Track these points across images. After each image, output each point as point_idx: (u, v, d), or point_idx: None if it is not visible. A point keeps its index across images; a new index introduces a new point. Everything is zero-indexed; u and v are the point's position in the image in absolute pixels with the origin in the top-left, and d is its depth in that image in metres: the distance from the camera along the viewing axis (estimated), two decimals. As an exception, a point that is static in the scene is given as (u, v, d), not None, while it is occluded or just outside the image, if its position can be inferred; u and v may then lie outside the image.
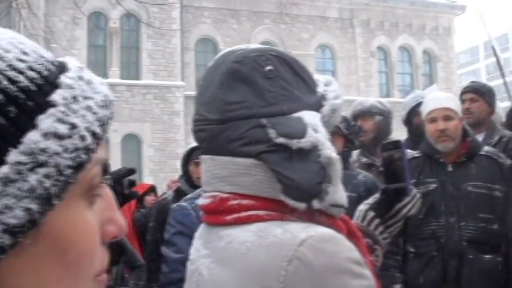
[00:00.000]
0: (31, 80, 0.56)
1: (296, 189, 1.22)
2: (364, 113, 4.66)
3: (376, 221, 1.59)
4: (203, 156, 1.37)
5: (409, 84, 33.55)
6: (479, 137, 4.46)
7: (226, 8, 30.15)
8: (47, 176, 0.55)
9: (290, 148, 1.24)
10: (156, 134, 27.20)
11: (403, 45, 34.02)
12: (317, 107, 1.35)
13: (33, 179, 0.54)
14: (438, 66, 34.60)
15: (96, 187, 0.63)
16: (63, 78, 0.60)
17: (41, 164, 0.54)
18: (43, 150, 0.55)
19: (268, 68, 1.31)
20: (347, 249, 1.20)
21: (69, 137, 0.56)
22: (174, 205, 3.69)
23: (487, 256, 3.63)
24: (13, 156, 0.54)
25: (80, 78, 0.62)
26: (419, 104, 4.72)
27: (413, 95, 5.69)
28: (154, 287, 3.86)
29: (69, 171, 0.56)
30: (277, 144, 1.24)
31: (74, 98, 0.59)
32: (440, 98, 3.94)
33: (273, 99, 1.29)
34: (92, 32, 27.48)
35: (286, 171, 1.23)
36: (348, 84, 30.48)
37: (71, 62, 0.64)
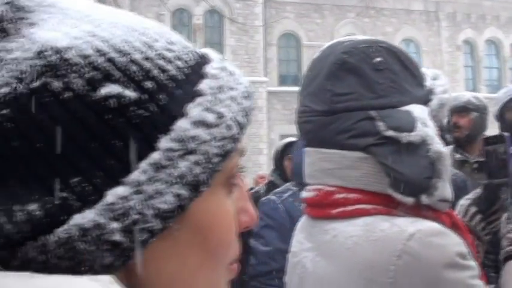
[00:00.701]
0: (179, 69, 0.58)
1: (405, 184, 1.21)
2: (459, 109, 4.54)
3: (478, 216, 1.56)
4: (308, 149, 1.36)
5: (497, 79, 32.55)
6: None
7: (309, 2, 29.99)
8: (196, 163, 0.56)
9: (399, 142, 1.22)
10: (239, 129, 27.39)
11: (490, 38, 33.04)
12: (425, 100, 1.33)
13: (183, 165, 0.55)
14: (527, 59, 33.47)
15: (235, 176, 0.64)
16: (209, 69, 0.61)
17: (191, 152, 0.56)
18: (193, 138, 0.56)
19: (378, 59, 1.29)
20: (455, 242, 1.18)
21: (217, 126, 0.58)
22: (263, 198, 3.72)
23: None
24: (164, 143, 0.55)
25: (223, 69, 0.63)
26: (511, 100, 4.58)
27: (505, 90, 5.51)
28: (245, 279, 3.92)
29: (217, 159, 0.57)
30: (386, 137, 1.22)
31: (220, 88, 0.60)
32: (534, 92, 3.82)
33: (382, 91, 1.27)
34: (176, 29, 27.76)
35: (396, 165, 1.21)
36: (433, 79, 29.83)
37: (212, 53, 0.65)
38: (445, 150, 1.26)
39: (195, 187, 0.56)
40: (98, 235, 0.52)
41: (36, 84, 0.52)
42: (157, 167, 0.54)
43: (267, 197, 3.69)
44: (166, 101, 0.56)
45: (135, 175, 0.53)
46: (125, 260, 0.54)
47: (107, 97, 0.53)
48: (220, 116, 0.58)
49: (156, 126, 0.55)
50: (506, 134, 1.63)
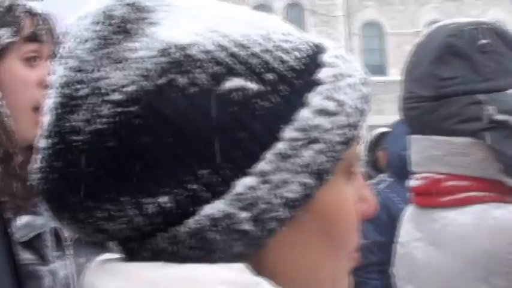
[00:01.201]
0: (297, 59, 0.58)
1: None
2: None
3: None
4: (414, 136, 1.33)
5: None
6: None
7: (390, -11, 29.67)
8: (320, 152, 0.56)
9: (510, 126, 1.19)
10: (324, 122, 27.40)
11: None
12: None
13: (307, 154, 0.55)
14: None
15: (355, 165, 0.63)
16: (325, 58, 0.61)
17: (314, 141, 0.55)
18: (315, 127, 0.56)
19: (484, 41, 1.26)
20: None
21: (338, 114, 0.57)
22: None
23: None
24: (288, 133, 0.55)
25: (339, 56, 0.62)
26: None
27: None
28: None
29: (339, 147, 0.57)
30: (496, 121, 1.19)
31: (338, 75, 0.59)
32: None
33: (489, 74, 1.24)
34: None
35: (508, 150, 1.18)
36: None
37: (326, 42, 0.65)
38: None
39: (320, 176, 0.56)
40: (228, 225, 0.53)
41: (162, 81, 0.53)
42: (282, 156, 0.54)
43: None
44: (287, 91, 0.56)
45: (262, 165, 0.54)
46: (254, 249, 0.55)
47: (231, 90, 0.54)
48: (341, 103, 0.58)
49: (279, 116, 0.55)
50: None
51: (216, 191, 0.54)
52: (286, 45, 0.58)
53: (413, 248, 1.32)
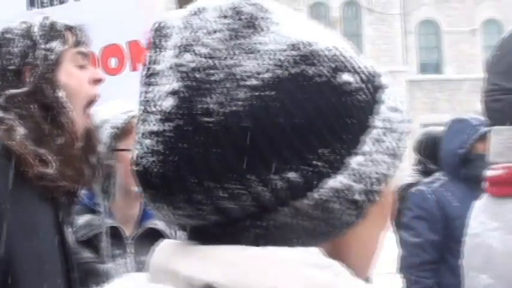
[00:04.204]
0: (367, 67, 0.67)
1: None
2: None
3: None
4: (497, 128, 1.36)
5: None
6: None
7: (447, -13, 29.16)
8: (397, 139, 0.66)
9: None
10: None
11: None
12: None
13: (389, 140, 0.65)
14: None
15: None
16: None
17: (392, 130, 0.66)
18: (391, 119, 0.66)
19: None
20: None
21: (401, 111, 0.68)
22: (413, 189, 3.68)
23: None
24: (377, 122, 0.65)
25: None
26: None
27: None
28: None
29: (405, 137, 0.67)
30: None
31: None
32: None
33: None
34: (314, 21, 27.93)
35: None
36: None
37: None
38: None
39: (399, 158, 0.66)
40: (346, 195, 0.62)
41: (295, 70, 0.61)
42: (377, 140, 0.64)
43: (417, 187, 3.65)
44: (372, 89, 0.66)
45: (365, 147, 0.63)
46: (360, 217, 0.64)
47: (345, 83, 0.63)
48: (401, 104, 0.69)
49: (370, 108, 0.65)
50: None
51: (334, 167, 0.61)
52: (358, 56, 0.68)
53: (488, 237, 1.34)
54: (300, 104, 0.61)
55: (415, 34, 28.91)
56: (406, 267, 3.45)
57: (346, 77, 0.63)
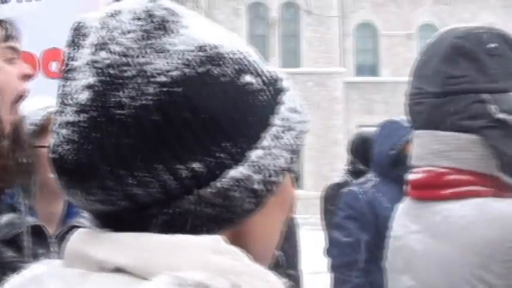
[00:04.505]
0: (270, 72, 0.75)
1: None
2: None
3: None
4: (419, 132, 1.39)
5: None
6: None
7: (385, -9, 29.67)
8: (295, 137, 0.73)
9: (509, 125, 1.26)
10: (316, 120, 27.29)
11: None
12: None
13: (287, 137, 0.72)
14: None
15: None
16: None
17: (291, 128, 0.73)
18: (291, 119, 0.73)
19: (492, 45, 1.33)
20: None
21: (301, 112, 0.75)
22: (345, 189, 3.72)
23: None
24: (276, 120, 0.72)
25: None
26: None
27: None
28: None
29: (303, 136, 0.75)
30: (498, 120, 1.26)
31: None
32: None
33: (494, 75, 1.30)
34: (253, 22, 28.05)
35: (506, 148, 1.25)
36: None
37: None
38: None
39: (296, 153, 0.73)
40: (246, 185, 0.68)
41: (202, 69, 0.67)
42: (276, 137, 0.71)
43: (349, 188, 3.69)
44: (272, 91, 0.74)
45: (264, 142, 0.70)
46: (259, 206, 0.70)
47: (247, 83, 0.70)
48: (300, 106, 0.76)
49: (270, 108, 0.72)
50: None
51: (237, 159, 0.68)
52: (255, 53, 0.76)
53: (410, 240, 1.37)
54: (205, 100, 0.67)
55: (353, 37, 29.30)
56: (336, 266, 3.49)
57: (248, 78, 0.70)
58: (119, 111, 0.64)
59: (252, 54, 0.74)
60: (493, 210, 1.21)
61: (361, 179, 3.69)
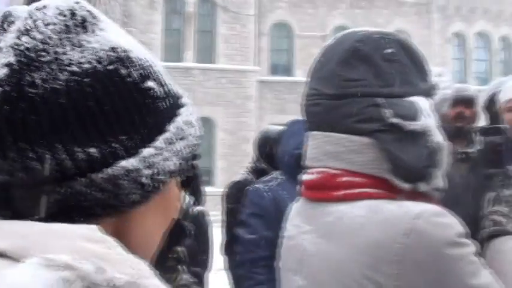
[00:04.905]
0: (171, 84, 0.84)
1: (405, 170, 1.27)
2: (468, 101, 4.52)
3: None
4: (313, 132, 1.40)
5: (485, 72, 32.69)
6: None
7: (301, -8, 29.99)
8: (186, 146, 0.82)
9: (402, 129, 1.28)
10: (228, 118, 27.36)
11: (480, 31, 33.13)
12: (429, 94, 1.39)
13: (179, 145, 0.81)
14: (517, 53, 33.61)
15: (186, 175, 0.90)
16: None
17: (183, 138, 0.82)
18: (185, 130, 0.83)
19: (389, 50, 1.35)
20: (456, 222, 1.24)
21: (194, 126, 0.85)
22: (250, 187, 3.73)
23: None
24: (171, 128, 0.80)
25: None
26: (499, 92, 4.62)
27: (495, 82, 5.59)
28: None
29: (195, 148, 0.84)
30: (391, 124, 1.28)
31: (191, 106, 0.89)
32: (520, 85, 3.86)
33: (390, 80, 1.33)
34: (168, 16, 27.79)
35: (397, 152, 1.27)
36: (423, 71, 29.63)
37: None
38: (444, 142, 1.34)
39: (185, 160, 0.82)
40: (134, 176, 0.75)
41: (111, 67, 0.75)
42: (169, 142, 0.79)
43: (254, 185, 3.71)
44: (171, 102, 0.83)
45: (157, 143, 0.78)
46: (144, 199, 0.77)
47: (150, 88, 0.79)
48: (196, 121, 0.86)
49: (168, 117, 0.81)
50: (504, 126, 1.66)
51: (130, 152, 0.75)
52: (162, 70, 0.85)
53: (302, 240, 1.38)
54: (109, 94, 0.74)
55: (268, 36, 29.48)
56: (240, 263, 3.49)
57: (151, 84, 0.79)
58: (31, 90, 0.70)
59: (158, 66, 0.83)
60: (384, 212, 1.23)
61: (267, 177, 3.71)
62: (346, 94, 1.32)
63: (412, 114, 1.30)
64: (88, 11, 0.78)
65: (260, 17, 28.62)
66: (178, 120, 0.82)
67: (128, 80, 0.76)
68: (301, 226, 1.40)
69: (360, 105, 1.30)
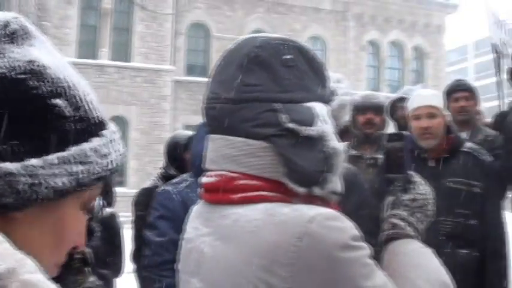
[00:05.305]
0: (92, 111, 0.90)
1: (299, 174, 1.29)
2: (377, 108, 4.63)
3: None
4: (212, 136, 1.41)
5: (398, 80, 33.69)
6: (463, 136, 4.52)
7: (220, -6, 30.06)
8: (83, 172, 0.86)
9: (298, 134, 1.30)
10: (143, 117, 27.10)
11: (394, 40, 34.12)
12: (327, 100, 1.42)
13: (77, 168, 0.85)
14: (428, 63, 34.75)
15: (91, 201, 0.94)
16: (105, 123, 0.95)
17: (83, 163, 0.86)
18: (89, 156, 0.87)
19: (288, 56, 1.37)
20: (350, 226, 1.26)
21: (106, 157, 0.90)
22: (159, 189, 3.70)
23: (464, 251, 3.75)
24: (72, 150, 0.85)
25: (114, 132, 0.99)
26: (402, 98, 4.77)
27: (403, 89, 5.77)
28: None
29: (94, 177, 0.88)
30: (287, 129, 1.30)
31: (111, 140, 0.94)
32: (425, 95, 4.01)
33: (288, 86, 1.34)
34: (84, 12, 27.31)
35: (293, 156, 1.29)
36: (337, 77, 30.17)
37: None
38: (341, 147, 1.36)
39: (79, 185, 0.85)
40: (10, 180, 0.78)
41: (21, 76, 0.81)
42: (64, 161, 0.83)
43: (163, 187, 3.67)
44: (83, 126, 0.87)
45: (51, 158, 0.81)
46: (21, 206, 0.80)
47: (57, 105, 0.83)
48: (108, 154, 0.90)
49: (74, 138, 0.85)
50: (405, 132, 1.71)
51: (16, 157, 0.79)
52: (89, 98, 0.90)
53: (200, 242, 1.39)
54: (11, 101, 0.79)
55: (185, 36, 29.40)
56: (148, 266, 3.44)
57: (60, 103, 0.83)
58: None
59: (85, 93, 0.89)
60: (279, 215, 1.25)
61: (177, 179, 3.69)
62: (244, 99, 1.33)
63: (309, 120, 1.32)
64: (21, 25, 0.86)
65: (178, 17, 28.52)
66: (85, 146, 0.86)
67: (35, 92, 0.81)
68: (200, 229, 1.41)
69: (257, 110, 1.32)
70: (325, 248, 1.20)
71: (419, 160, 3.86)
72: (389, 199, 1.61)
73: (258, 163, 1.31)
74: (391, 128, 5.16)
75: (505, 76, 5.95)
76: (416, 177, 1.65)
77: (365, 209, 3.03)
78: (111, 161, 0.90)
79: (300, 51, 1.40)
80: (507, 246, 3.98)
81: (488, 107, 7.50)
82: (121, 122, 26.30)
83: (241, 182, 1.32)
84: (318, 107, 1.36)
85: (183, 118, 27.48)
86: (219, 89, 1.38)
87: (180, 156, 4.49)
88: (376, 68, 33.86)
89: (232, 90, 1.34)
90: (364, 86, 31.35)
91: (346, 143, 4.59)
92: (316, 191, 1.32)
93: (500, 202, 4.14)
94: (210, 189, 1.40)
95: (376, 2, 33.33)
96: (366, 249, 1.26)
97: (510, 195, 4.77)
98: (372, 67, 33.85)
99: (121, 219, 4.82)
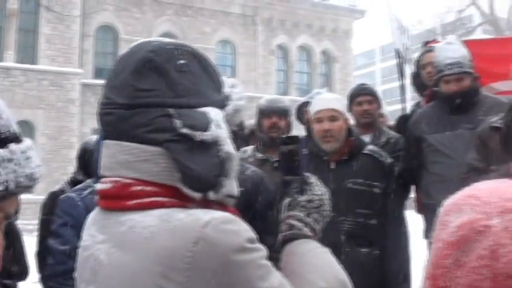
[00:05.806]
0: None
1: (194, 180, 1.30)
2: (282, 112, 4.67)
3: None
4: (107, 141, 1.40)
5: (307, 83, 34.23)
6: (366, 138, 4.65)
7: (129, -4, 29.73)
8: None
9: (193, 139, 1.31)
10: (50, 121, 26.47)
11: (303, 45, 34.65)
12: (221, 105, 1.43)
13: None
14: (336, 67, 35.48)
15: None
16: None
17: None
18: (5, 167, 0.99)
19: (182, 61, 1.37)
20: (245, 229, 1.28)
21: (32, 167, 1.08)
22: (62, 196, 3.63)
23: (364, 250, 3.87)
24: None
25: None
26: (308, 102, 4.86)
27: (310, 93, 5.88)
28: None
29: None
30: (181, 134, 1.30)
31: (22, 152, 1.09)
32: (327, 99, 4.11)
33: (182, 91, 1.35)
34: (-13, 13, 26.43)
35: (187, 161, 1.30)
36: (247, 81, 30.52)
37: None
38: (235, 151, 1.38)
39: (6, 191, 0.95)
40: None
41: None
42: None
43: (66, 194, 3.60)
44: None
45: None
46: None
47: None
48: (23, 163, 1.05)
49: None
50: (300, 135, 1.73)
51: None
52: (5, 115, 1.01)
53: (96, 250, 1.37)
54: None
55: (93, 38, 28.92)
56: (51, 275, 3.36)
57: None
58: None
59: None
60: (174, 220, 1.25)
61: (81, 185, 3.62)
62: (137, 104, 1.32)
63: (203, 125, 1.33)
64: None
65: (85, 19, 28.03)
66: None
67: None
68: (96, 236, 1.39)
69: (151, 115, 1.31)
70: (221, 251, 1.21)
71: (321, 162, 3.96)
72: (286, 201, 1.64)
73: (153, 169, 1.31)
74: (299, 131, 5.24)
75: (408, 80, 6.17)
76: (312, 179, 1.67)
77: (273, 209, 3.11)
78: (27, 168, 1.00)
79: (194, 56, 1.41)
80: (408, 244, 4.13)
81: (392, 110, 7.71)
82: (27, 127, 25.59)
83: (137, 188, 1.31)
84: (213, 112, 1.36)
85: (92, 122, 26.96)
86: (112, 95, 1.37)
87: (88, 162, 4.43)
88: (285, 72, 34.29)
89: (126, 96, 1.33)
90: (273, 90, 31.68)
91: (252, 146, 4.64)
92: (212, 195, 1.32)
93: (403, 201, 4.29)
94: (105, 195, 1.39)
95: (284, 7, 33.77)
96: (261, 251, 1.28)
97: (413, 195, 4.94)
98: (281, 71, 34.26)
99: (29, 226, 4.72)
